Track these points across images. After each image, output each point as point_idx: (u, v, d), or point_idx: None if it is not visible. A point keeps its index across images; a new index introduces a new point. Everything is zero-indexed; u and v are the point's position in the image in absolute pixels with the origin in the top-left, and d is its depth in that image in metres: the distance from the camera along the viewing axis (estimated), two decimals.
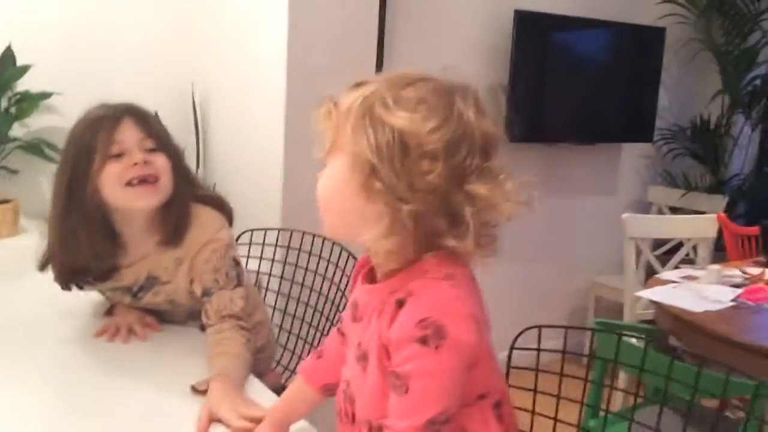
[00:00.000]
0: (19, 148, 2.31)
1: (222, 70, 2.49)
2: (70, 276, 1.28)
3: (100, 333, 1.30)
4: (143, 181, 1.19)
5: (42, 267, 1.27)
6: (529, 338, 1.20)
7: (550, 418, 1.22)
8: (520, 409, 1.08)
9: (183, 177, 1.27)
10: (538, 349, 1.19)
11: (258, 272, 1.81)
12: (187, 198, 1.27)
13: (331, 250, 1.67)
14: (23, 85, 2.32)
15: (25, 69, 2.30)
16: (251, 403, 1.03)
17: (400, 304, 0.74)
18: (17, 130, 2.34)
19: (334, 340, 0.98)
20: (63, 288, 1.29)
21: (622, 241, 2.44)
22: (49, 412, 1.04)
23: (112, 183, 1.19)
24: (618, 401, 2.06)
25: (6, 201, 2.05)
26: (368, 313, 0.82)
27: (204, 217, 1.29)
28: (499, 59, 2.70)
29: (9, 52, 2.30)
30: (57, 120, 2.37)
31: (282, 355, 1.72)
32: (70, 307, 1.39)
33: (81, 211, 1.20)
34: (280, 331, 1.76)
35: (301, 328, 1.71)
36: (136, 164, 1.18)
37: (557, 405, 1.22)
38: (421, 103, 0.74)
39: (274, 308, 1.78)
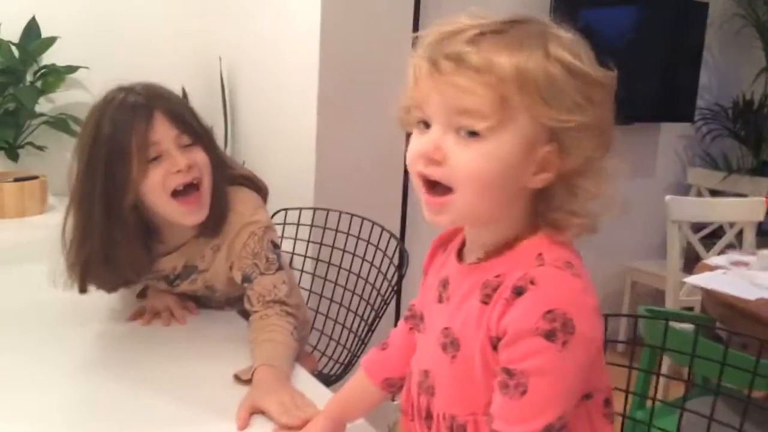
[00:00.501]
0: (46, 123, 2.25)
1: (251, 44, 2.41)
2: (110, 288, 1.22)
3: (135, 317, 1.25)
4: (188, 185, 1.13)
5: (83, 288, 1.18)
6: None
7: None
8: None
9: (217, 163, 1.19)
10: None
11: (293, 253, 1.75)
12: (224, 188, 1.20)
13: (366, 230, 1.61)
14: (49, 58, 2.26)
15: (51, 41, 2.24)
16: (299, 396, 0.97)
17: (519, 292, 0.65)
18: (43, 105, 2.29)
19: (401, 329, 0.90)
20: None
21: (661, 225, 2.35)
22: (82, 400, 0.99)
23: (157, 192, 1.11)
24: (660, 391, 1.99)
25: (33, 177, 2.00)
26: (460, 294, 0.73)
27: (239, 200, 1.22)
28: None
29: (33, 23, 2.25)
30: (84, 95, 2.32)
31: (319, 339, 1.66)
32: None
33: (119, 220, 1.11)
34: (316, 315, 1.69)
35: (338, 312, 1.65)
36: (179, 171, 1.11)
37: None
38: (582, 50, 0.67)
39: (310, 291, 1.72)
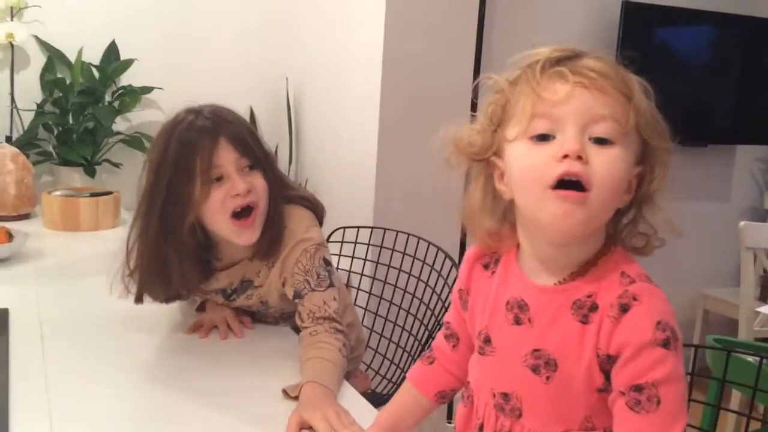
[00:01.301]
0: (122, 141, 2.37)
1: (316, 65, 2.47)
2: (163, 298, 1.27)
3: (194, 329, 1.29)
4: (245, 208, 1.17)
5: (138, 299, 1.23)
6: None
7: None
8: None
9: (276, 185, 1.23)
10: None
11: (349, 271, 1.77)
12: (281, 211, 1.23)
13: (422, 249, 1.61)
14: (126, 79, 2.38)
15: (128, 63, 2.36)
16: (344, 414, 0.97)
17: (625, 309, 0.69)
18: (120, 124, 2.40)
19: (445, 346, 0.91)
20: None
21: (735, 251, 2.26)
22: (140, 407, 1.03)
23: (215, 211, 1.16)
24: (731, 427, 1.89)
25: (108, 193, 2.10)
26: (548, 316, 0.74)
27: (293, 217, 1.25)
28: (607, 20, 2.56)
29: (113, 46, 2.37)
30: (158, 114, 2.42)
31: (373, 358, 1.67)
32: None
33: (175, 240, 1.16)
34: (371, 334, 1.70)
35: (393, 331, 1.65)
36: (237, 195, 1.15)
37: None
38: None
39: (365, 309, 1.73)
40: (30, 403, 0.98)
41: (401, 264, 1.67)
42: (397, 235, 1.69)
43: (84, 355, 1.18)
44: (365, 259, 1.77)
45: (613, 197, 0.71)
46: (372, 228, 1.79)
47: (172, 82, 2.41)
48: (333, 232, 1.81)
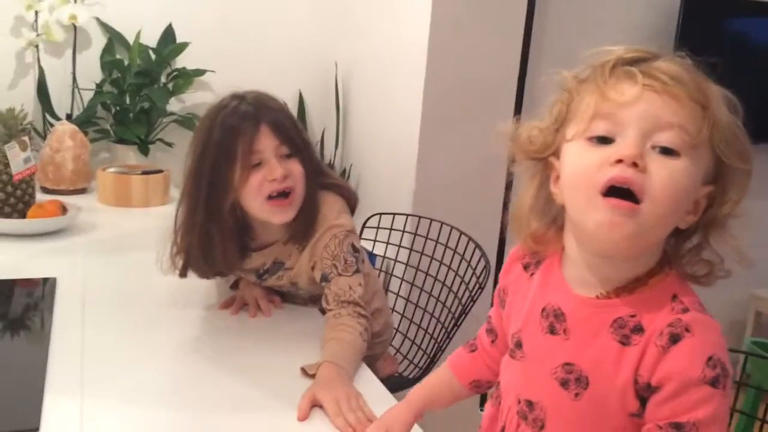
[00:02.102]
0: (175, 121, 2.45)
1: (364, 51, 2.49)
2: (207, 274, 1.32)
3: (225, 305, 1.34)
4: (281, 193, 1.21)
5: (183, 274, 1.29)
6: None
7: None
8: None
9: (313, 172, 1.27)
10: None
11: (384, 257, 1.80)
12: (316, 198, 1.28)
13: (454, 238, 1.62)
14: (181, 62, 2.46)
15: (183, 46, 2.43)
16: (354, 397, 1.00)
17: (675, 339, 0.66)
18: (174, 105, 2.48)
19: (486, 339, 0.91)
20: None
21: None
22: (172, 376, 1.08)
23: (252, 195, 1.21)
24: None
25: (158, 171, 2.18)
26: (587, 331, 0.71)
27: (325, 203, 1.29)
28: (662, 46, 2.49)
29: (170, 29, 2.45)
30: (209, 96, 2.49)
31: (402, 343, 1.70)
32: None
33: (218, 220, 1.22)
34: (402, 319, 1.73)
35: (422, 317, 1.67)
36: (275, 180, 1.19)
37: None
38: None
39: (397, 294, 1.76)
40: (65, 367, 1.05)
41: (434, 252, 1.68)
42: (431, 223, 1.71)
43: (120, 325, 1.25)
44: (399, 246, 1.80)
45: (671, 213, 0.66)
46: (407, 215, 1.81)
47: (223, 65, 2.48)
48: (369, 217, 1.84)
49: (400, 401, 0.93)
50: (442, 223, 1.68)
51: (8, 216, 1.72)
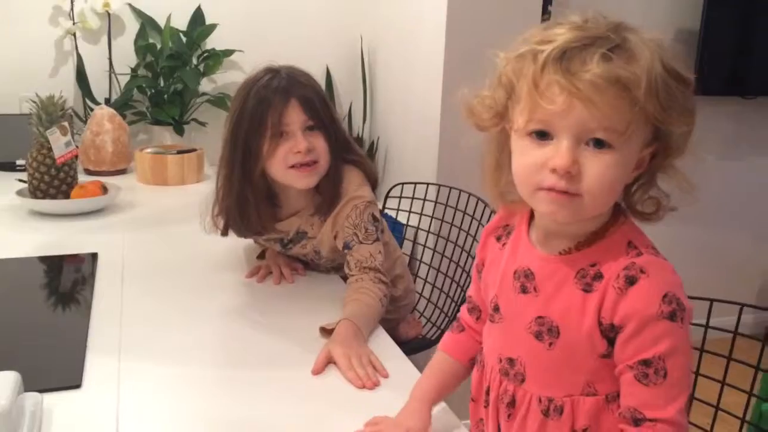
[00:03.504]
0: (208, 101, 2.54)
1: (386, 23, 2.52)
2: (244, 233, 1.41)
3: (252, 274, 1.43)
4: (304, 165, 1.29)
5: (225, 232, 1.39)
6: (699, 312, 1.07)
7: (711, 405, 1.09)
8: None
9: (338, 148, 1.34)
10: (706, 326, 1.07)
11: (406, 225, 1.86)
12: (340, 172, 1.35)
13: (471, 205, 1.67)
14: (210, 43, 2.54)
15: (212, 28, 2.51)
16: (366, 354, 1.07)
17: (632, 281, 0.70)
18: (205, 85, 2.57)
19: (469, 318, 0.95)
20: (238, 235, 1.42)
21: None
22: (196, 345, 1.16)
23: (278, 163, 1.29)
24: None
25: (192, 150, 2.27)
26: (553, 284, 0.77)
27: (347, 177, 1.36)
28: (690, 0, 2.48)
29: (199, 12, 2.52)
30: (239, 75, 2.56)
31: (426, 307, 1.76)
32: (227, 246, 1.54)
33: (251, 184, 1.31)
34: (424, 284, 1.79)
35: (444, 282, 1.74)
36: (299, 152, 1.27)
37: (721, 391, 1.08)
38: (679, 55, 0.70)
39: (420, 260, 1.82)
40: (104, 331, 1.15)
41: (453, 218, 1.74)
42: (450, 191, 1.76)
43: (155, 293, 1.34)
44: (421, 213, 1.85)
45: (610, 197, 0.72)
46: (427, 184, 1.87)
47: (251, 44, 2.55)
48: (392, 187, 1.90)
49: (410, 400, 0.93)
50: (460, 191, 1.73)
51: (53, 197, 1.84)
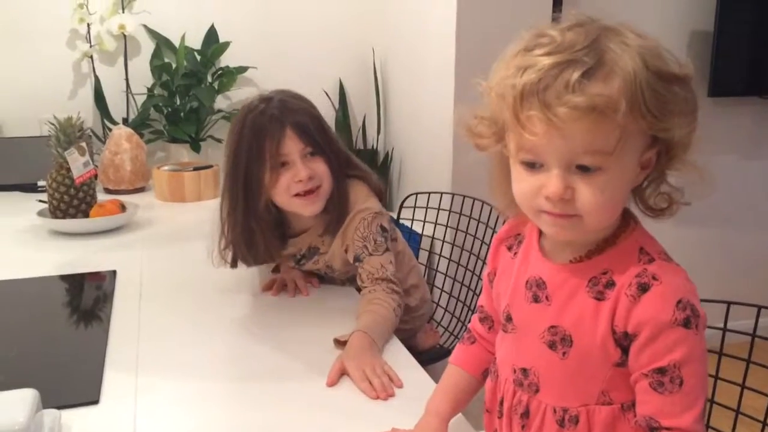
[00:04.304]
0: (223, 118, 2.57)
1: (398, 35, 2.54)
2: (252, 262, 1.42)
3: (267, 288, 1.44)
4: (308, 192, 1.30)
5: (234, 264, 1.40)
6: (716, 315, 1.03)
7: (731, 409, 1.07)
8: None
9: (339, 166, 1.35)
10: (724, 329, 1.05)
11: (421, 234, 1.86)
12: (345, 192, 1.36)
13: (485, 214, 1.67)
14: (224, 60, 2.57)
15: (225, 46, 2.55)
16: (380, 365, 1.07)
17: (644, 288, 0.70)
18: (221, 102, 2.60)
19: (481, 328, 0.94)
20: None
21: None
22: (212, 358, 1.18)
23: (282, 193, 1.31)
24: None
25: (208, 166, 2.30)
26: (565, 293, 0.76)
27: (353, 192, 1.37)
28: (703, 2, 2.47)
29: (213, 30, 2.56)
30: (253, 91, 2.57)
31: (443, 316, 1.76)
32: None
33: (256, 215, 1.32)
34: (441, 293, 1.79)
35: (460, 291, 1.73)
36: (300, 181, 1.28)
37: (741, 395, 1.06)
38: (663, 51, 0.70)
39: (436, 270, 1.82)
40: (123, 347, 1.17)
41: (467, 227, 1.74)
42: (464, 199, 1.76)
43: (172, 309, 1.36)
44: (435, 223, 1.86)
45: (609, 212, 0.71)
46: (441, 194, 1.87)
47: (265, 60, 2.58)
48: (406, 198, 1.90)
49: (425, 415, 0.93)
50: (474, 199, 1.73)
51: (73, 216, 1.87)
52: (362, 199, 1.36)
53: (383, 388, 1.02)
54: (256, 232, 1.34)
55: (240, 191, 1.31)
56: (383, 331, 1.20)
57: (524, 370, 0.80)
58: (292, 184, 1.29)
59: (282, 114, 1.29)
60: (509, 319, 0.83)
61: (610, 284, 0.73)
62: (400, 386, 1.05)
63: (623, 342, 0.72)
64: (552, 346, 0.77)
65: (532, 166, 0.71)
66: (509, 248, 0.86)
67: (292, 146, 1.28)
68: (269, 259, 1.43)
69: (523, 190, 0.72)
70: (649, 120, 0.66)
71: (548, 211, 0.71)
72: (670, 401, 0.70)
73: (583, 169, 0.68)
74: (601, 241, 0.75)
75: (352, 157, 1.44)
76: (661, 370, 0.70)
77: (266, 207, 1.33)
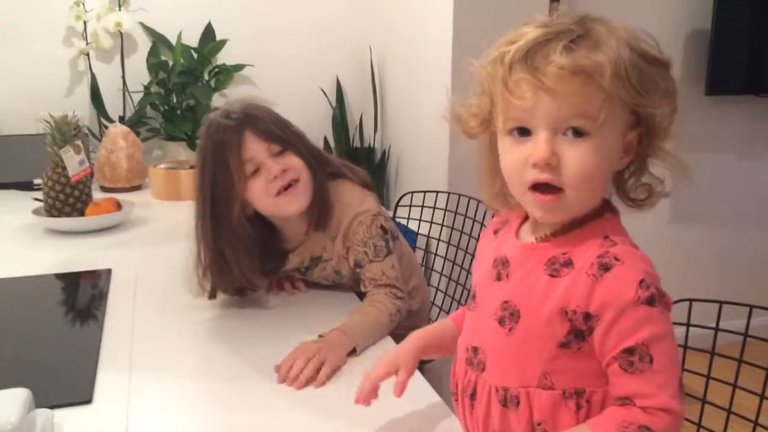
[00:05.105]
0: None
1: (395, 34, 2.54)
2: (231, 290, 1.35)
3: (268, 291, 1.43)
4: (288, 186, 1.26)
5: (212, 296, 1.33)
6: (710, 314, 1.05)
7: (723, 409, 1.07)
8: (690, 396, 0.97)
9: (314, 160, 1.31)
10: (716, 329, 1.06)
11: (417, 233, 1.86)
12: (325, 183, 1.32)
13: (481, 213, 1.67)
14: (221, 58, 2.57)
15: (222, 44, 2.54)
16: (323, 357, 1.07)
17: (606, 267, 0.69)
18: (217, 100, 2.59)
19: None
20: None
21: None
22: (207, 359, 1.17)
23: (262, 198, 1.26)
24: None
25: None
26: (524, 271, 0.77)
27: (345, 192, 1.34)
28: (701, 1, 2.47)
29: (209, 28, 2.56)
30: (251, 89, 2.60)
31: (438, 315, 1.76)
32: None
33: (228, 234, 1.26)
34: (436, 292, 1.79)
35: (455, 290, 1.73)
36: (276, 177, 1.25)
37: (732, 395, 1.06)
38: (648, 37, 0.72)
39: (431, 269, 1.82)
40: (116, 347, 1.17)
41: (462, 226, 1.74)
42: (459, 198, 1.76)
43: (166, 308, 1.35)
44: (431, 222, 1.85)
45: (594, 187, 0.72)
46: (437, 192, 1.87)
47: (262, 58, 2.58)
48: (402, 196, 1.90)
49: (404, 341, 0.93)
50: (470, 198, 1.73)
51: (69, 215, 1.86)
52: (359, 201, 1.33)
53: (293, 376, 1.04)
54: (226, 253, 1.27)
55: (208, 210, 1.26)
56: (368, 332, 1.19)
57: (475, 349, 0.80)
58: (268, 185, 1.25)
59: (239, 122, 1.25)
60: (474, 296, 0.84)
61: (568, 263, 0.73)
62: (319, 386, 1.04)
63: (582, 325, 0.71)
64: (501, 321, 0.77)
65: (521, 133, 0.72)
66: (495, 232, 0.87)
67: (256, 147, 1.24)
68: (245, 285, 1.34)
69: (511, 161, 0.73)
70: (630, 92, 0.68)
71: (534, 180, 0.71)
72: (642, 381, 0.68)
73: (571, 133, 0.69)
74: (568, 222, 0.75)
75: (325, 153, 1.40)
76: (630, 350, 0.69)
77: (240, 221, 1.27)
